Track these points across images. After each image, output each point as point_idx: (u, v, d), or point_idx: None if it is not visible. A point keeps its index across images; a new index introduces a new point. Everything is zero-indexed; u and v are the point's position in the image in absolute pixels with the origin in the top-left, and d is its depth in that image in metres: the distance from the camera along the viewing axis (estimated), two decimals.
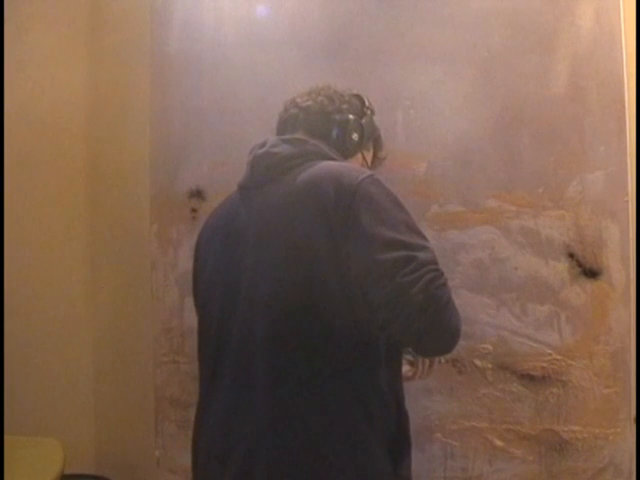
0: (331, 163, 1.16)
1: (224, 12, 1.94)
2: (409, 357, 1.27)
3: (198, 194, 1.95)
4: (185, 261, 1.94)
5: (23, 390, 1.97)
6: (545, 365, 1.65)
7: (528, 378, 1.66)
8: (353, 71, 1.77)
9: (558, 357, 1.64)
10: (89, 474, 2.05)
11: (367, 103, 1.33)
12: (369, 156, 1.36)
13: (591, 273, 1.62)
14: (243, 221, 1.19)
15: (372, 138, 1.35)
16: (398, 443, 1.14)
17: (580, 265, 1.62)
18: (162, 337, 1.99)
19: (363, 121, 1.28)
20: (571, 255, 1.63)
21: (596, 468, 1.61)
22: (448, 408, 1.71)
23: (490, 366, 1.68)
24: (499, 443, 1.68)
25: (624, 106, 1.59)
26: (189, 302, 1.91)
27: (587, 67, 1.62)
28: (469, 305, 1.68)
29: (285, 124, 1.29)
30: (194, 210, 1.94)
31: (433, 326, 1.00)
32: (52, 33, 2.13)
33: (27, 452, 1.76)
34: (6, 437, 1.60)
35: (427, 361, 1.29)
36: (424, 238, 1.07)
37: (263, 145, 1.22)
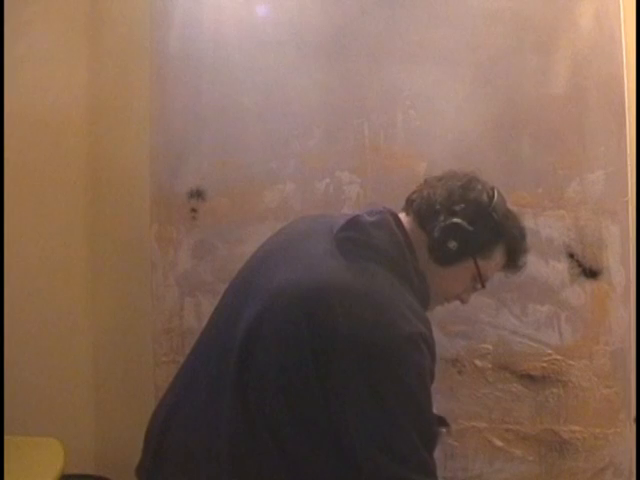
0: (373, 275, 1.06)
1: (224, 12, 1.94)
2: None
3: (198, 194, 1.94)
4: (185, 261, 1.94)
5: (23, 390, 1.97)
6: (545, 365, 1.65)
7: (528, 378, 1.66)
8: (353, 71, 1.77)
9: (558, 357, 1.64)
10: (89, 474, 2.05)
11: (495, 201, 1.14)
12: (490, 265, 1.16)
13: (591, 273, 1.62)
14: (276, 245, 1.20)
15: (495, 246, 1.15)
16: None
17: (580, 265, 1.62)
18: (162, 337, 1.99)
19: (472, 228, 1.09)
20: (571, 255, 1.63)
21: (596, 468, 1.61)
22: (448, 408, 1.70)
23: (490, 366, 1.68)
24: (499, 443, 1.68)
25: (624, 106, 1.59)
26: (189, 302, 1.92)
27: (587, 67, 1.62)
28: (469, 305, 1.67)
29: (409, 202, 1.19)
30: (194, 210, 1.94)
31: None
32: (52, 33, 2.13)
33: (27, 452, 1.76)
34: (6, 437, 1.60)
35: None
36: (431, 450, 1.04)
37: (365, 210, 1.16)
